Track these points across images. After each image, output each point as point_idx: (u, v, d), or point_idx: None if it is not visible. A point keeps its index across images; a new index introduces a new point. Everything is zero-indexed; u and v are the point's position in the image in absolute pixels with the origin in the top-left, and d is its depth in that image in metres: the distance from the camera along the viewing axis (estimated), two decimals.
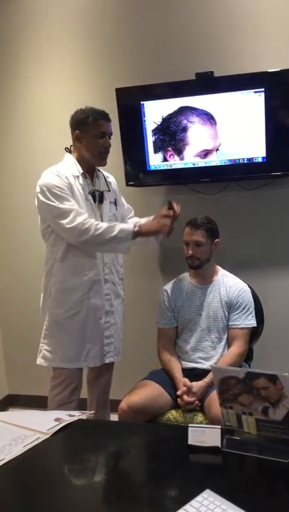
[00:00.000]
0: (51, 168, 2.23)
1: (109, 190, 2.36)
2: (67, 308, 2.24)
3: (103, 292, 2.29)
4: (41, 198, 2.17)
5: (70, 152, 2.31)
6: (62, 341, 2.26)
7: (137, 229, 2.20)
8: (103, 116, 2.22)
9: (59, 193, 2.14)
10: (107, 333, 2.32)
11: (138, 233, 2.20)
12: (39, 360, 2.32)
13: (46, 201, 2.15)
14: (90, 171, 2.31)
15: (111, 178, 2.45)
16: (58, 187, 2.15)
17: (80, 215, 2.13)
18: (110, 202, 2.36)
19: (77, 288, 2.24)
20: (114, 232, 2.14)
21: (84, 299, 2.24)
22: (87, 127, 2.21)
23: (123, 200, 2.51)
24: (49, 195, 2.14)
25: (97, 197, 2.29)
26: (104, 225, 2.16)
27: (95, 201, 2.27)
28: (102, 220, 2.29)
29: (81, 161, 2.27)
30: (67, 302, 2.24)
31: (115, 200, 2.41)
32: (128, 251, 2.21)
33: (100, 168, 2.37)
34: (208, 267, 2.29)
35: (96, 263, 2.25)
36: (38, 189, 2.20)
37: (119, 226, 2.18)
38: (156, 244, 2.38)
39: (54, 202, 2.14)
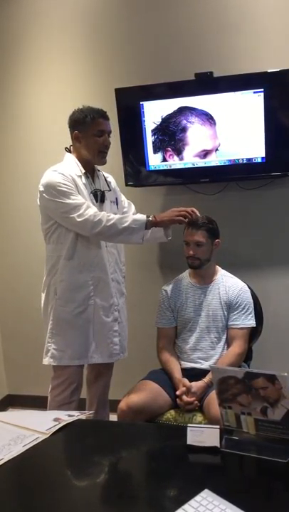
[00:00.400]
0: (53, 167, 2.23)
1: (110, 190, 2.37)
2: (75, 305, 2.24)
3: (109, 290, 2.29)
4: (46, 196, 2.17)
5: (70, 152, 2.31)
6: (71, 339, 2.26)
7: (152, 217, 2.19)
8: (101, 114, 2.22)
9: (65, 189, 2.15)
10: (114, 333, 2.32)
11: (153, 222, 2.20)
12: (47, 360, 2.30)
13: (53, 199, 2.15)
14: (90, 171, 2.31)
15: (110, 178, 2.46)
16: (63, 184, 2.15)
17: (90, 207, 2.15)
18: (111, 201, 2.37)
19: (84, 285, 2.24)
20: (128, 223, 2.15)
21: (90, 296, 2.25)
22: (85, 126, 2.21)
23: (123, 198, 2.51)
24: (55, 192, 2.15)
25: (99, 196, 2.29)
26: (116, 216, 2.18)
27: (96, 201, 2.28)
28: None
29: (81, 161, 2.27)
30: (75, 300, 2.24)
31: (116, 199, 2.41)
32: (142, 241, 2.20)
33: (99, 168, 2.38)
34: (207, 267, 2.29)
35: (102, 261, 2.26)
36: (41, 188, 2.20)
37: (132, 216, 2.20)
38: (166, 239, 2.39)
39: (61, 198, 2.14)
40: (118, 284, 2.36)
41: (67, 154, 2.31)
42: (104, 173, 2.42)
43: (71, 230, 2.20)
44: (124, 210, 2.48)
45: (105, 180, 2.38)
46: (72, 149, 2.31)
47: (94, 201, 2.26)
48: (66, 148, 2.32)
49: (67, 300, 2.25)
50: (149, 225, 2.19)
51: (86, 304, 2.25)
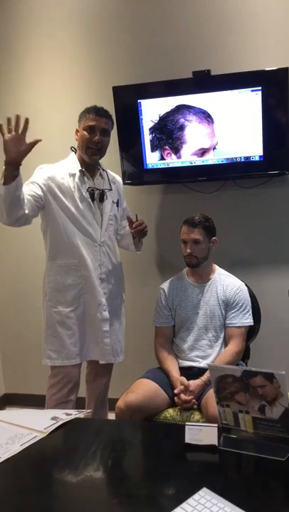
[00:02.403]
0: (46, 164, 2.26)
1: (111, 189, 2.34)
2: (64, 306, 2.25)
3: (97, 289, 2.28)
4: None
5: (75, 151, 2.31)
6: (65, 339, 2.26)
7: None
8: (95, 110, 2.21)
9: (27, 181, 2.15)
10: (105, 333, 2.31)
11: (5, 169, 1.90)
12: (44, 361, 2.32)
13: None
14: (90, 169, 2.29)
15: (117, 179, 2.45)
16: (33, 178, 2.18)
17: None
18: (112, 201, 2.35)
19: (72, 285, 2.25)
20: None
21: (80, 294, 2.26)
22: (80, 121, 2.24)
23: (125, 204, 2.51)
24: None
25: (97, 195, 2.28)
26: None
27: (93, 199, 2.26)
28: (102, 219, 2.29)
29: (81, 158, 2.27)
30: (64, 300, 2.25)
31: (118, 200, 2.39)
32: (7, 197, 1.91)
33: (104, 167, 2.37)
34: (205, 265, 2.29)
35: (85, 261, 2.25)
36: None
37: None
38: (134, 249, 2.41)
39: None
40: (111, 284, 2.35)
41: (71, 153, 2.31)
42: (111, 173, 2.41)
43: (52, 231, 2.22)
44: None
45: (109, 180, 2.36)
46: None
47: (90, 200, 2.25)
48: (72, 147, 2.31)
49: (56, 301, 2.26)
50: (5, 177, 1.90)
51: (77, 302, 2.26)
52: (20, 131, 1.85)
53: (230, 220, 2.78)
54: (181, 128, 2.65)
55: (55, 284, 2.26)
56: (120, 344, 2.41)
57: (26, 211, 2.02)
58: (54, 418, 1.68)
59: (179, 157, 2.70)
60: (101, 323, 2.30)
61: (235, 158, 2.61)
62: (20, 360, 3.31)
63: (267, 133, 2.53)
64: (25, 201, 2.03)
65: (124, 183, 2.76)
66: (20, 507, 1.29)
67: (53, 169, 2.24)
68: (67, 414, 1.71)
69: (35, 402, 2.72)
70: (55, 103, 2.98)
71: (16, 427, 1.63)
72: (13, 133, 1.85)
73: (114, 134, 2.65)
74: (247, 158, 2.59)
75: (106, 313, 2.31)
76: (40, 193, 2.16)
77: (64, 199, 2.21)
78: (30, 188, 2.13)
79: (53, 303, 2.27)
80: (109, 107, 2.55)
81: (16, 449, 1.49)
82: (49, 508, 1.26)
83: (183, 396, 2.11)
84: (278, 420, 1.41)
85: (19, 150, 1.87)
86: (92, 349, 2.31)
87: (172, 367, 2.23)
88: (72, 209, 2.22)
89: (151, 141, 2.72)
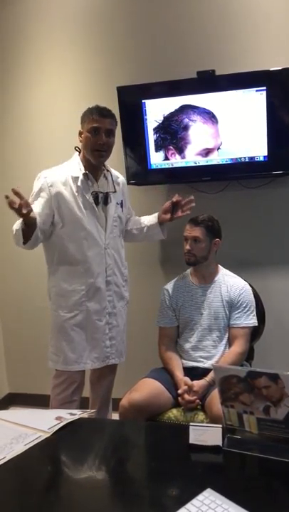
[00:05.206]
0: (45, 171, 2.24)
1: (115, 191, 2.32)
2: (65, 311, 2.25)
3: (104, 294, 2.28)
4: None
5: (79, 151, 2.28)
6: (64, 344, 2.26)
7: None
8: (99, 111, 2.17)
9: (31, 199, 2.15)
10: (109, 335, 2.31)
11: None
12: (49, 362, 2.34)
13: None
14: (94, 171, 2.26)
15: (121, 179, 2.43)
16: (35, 192, 2.18)
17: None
18: (117, 203, 2.33)
19: (74, 291, 2.24)
20: (13, 232, 2.11)
21: (82, 301, 2.24)
22: (84, 123, 2.20)
23: (129, 204, 2.50)
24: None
25: (101, 198, 2.26)
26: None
27: (97, 203, 2.24)
28: (106, 222, 2.27)
29: (85, 159, 2.24)
30: (66, 306, 2.25)
31: (122, 201, 2.37)
32: (19, 242, 2.10)
33: (109, 168, 2.34)
34: (206, 265, 2.29)
35: (91, 266, 2.23)
36: None
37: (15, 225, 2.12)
38: (163, 237, 2.40)
39: None
40: (117, 287, 2.33)
41: (75, 154, 2.29)
42: (115, 173, 2.38)
43: (55, 237, 2.21)
44: (131, 217, 2.48)
45: (113, 181, 2.33)
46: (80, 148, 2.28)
47: (94, 204, 2.23)
48: (76, 147, 2.29)
49: (58, 305, 2.26)
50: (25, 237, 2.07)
51: (78, 309, 2.24)
52: (20, 200, 1.92)
53: (234, 221, 2.77)
54: (186, 128, 2.65)
55: (57, 289, 2.26)
56: (124, 345, 2.41)
57: (42, 238, 2.16)
58: (58, 418, 1.68)
59: (183, 157, 2.69)
60: (105, 325, 2.29)
61: (240, 158, 2.61)
62: (24, 360, 3.31)
63: (271, 133, 2.52)
64: (39, 229, 2.11)
65: (128, 183, 2.76)
66: (23, 506, 1.29)
67: (54, 176, 2.20)
68: (71, 414, 1.71)
69: (39, 402, 2.72)
70: (59, 103, 2.98)
71: (20, 427, 1.63)
72: (17, 204, 1.91)
73: (118, 134, 2.64)
74: (251, 158, 2.59)
75: (110, 316, 2.30)
76: (47, 211, 2.17)
77: (67, 205, 2.18)
78: (37, 211, 2.11)
79: (56, 306, 2.27)
80: (114, 107, 2.55)
81: (20, 448, 1.49)
82: (53, 507, 1.26)
83: (186, 396, 2.10)
84: (283, 421, 1.40)
85: (30, 209, 1.97)
86: (92, 357, 2.29)
87: (176, 367, 2.23)
88: (76, 214, 2.19)
89: (155, 141, 2.72)
